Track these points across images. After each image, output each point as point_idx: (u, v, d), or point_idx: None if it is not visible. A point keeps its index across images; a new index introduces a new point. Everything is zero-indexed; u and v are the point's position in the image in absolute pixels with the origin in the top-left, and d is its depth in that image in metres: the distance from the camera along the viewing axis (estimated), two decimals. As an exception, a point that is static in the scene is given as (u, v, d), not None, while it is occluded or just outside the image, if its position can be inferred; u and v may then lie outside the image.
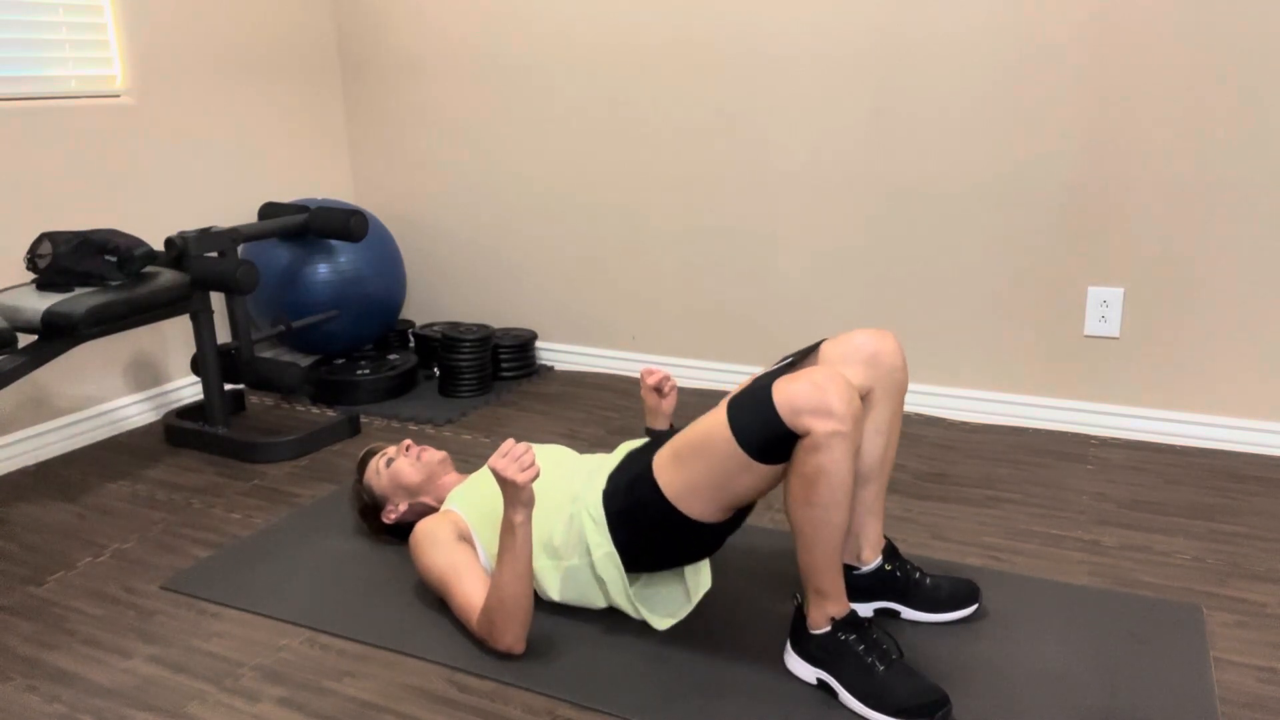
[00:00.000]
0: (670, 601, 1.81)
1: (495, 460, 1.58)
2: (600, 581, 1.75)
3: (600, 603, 1.79)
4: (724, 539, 1.71)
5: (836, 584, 1.55)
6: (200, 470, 2.59)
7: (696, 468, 1.57)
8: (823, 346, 1.72)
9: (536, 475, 1.57)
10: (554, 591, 1.79)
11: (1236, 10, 2.32)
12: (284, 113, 3.36)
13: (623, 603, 1.74)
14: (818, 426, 1.43)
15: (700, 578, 1.83)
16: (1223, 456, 2.51)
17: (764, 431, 1.48)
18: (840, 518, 1.49)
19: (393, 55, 3.44)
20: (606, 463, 1.82)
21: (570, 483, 1.80)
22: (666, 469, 1.62)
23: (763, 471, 1.52)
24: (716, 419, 1.55)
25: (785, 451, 1.49)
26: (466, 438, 2.78)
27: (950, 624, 1.77)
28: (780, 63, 2.84)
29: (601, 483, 1.74)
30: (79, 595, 1.98)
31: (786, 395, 1.46)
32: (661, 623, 1.76)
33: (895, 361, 1.70)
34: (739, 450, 1.51)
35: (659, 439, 1.75)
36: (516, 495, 1.59)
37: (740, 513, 1.67)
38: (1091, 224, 2.58)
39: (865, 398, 1.70)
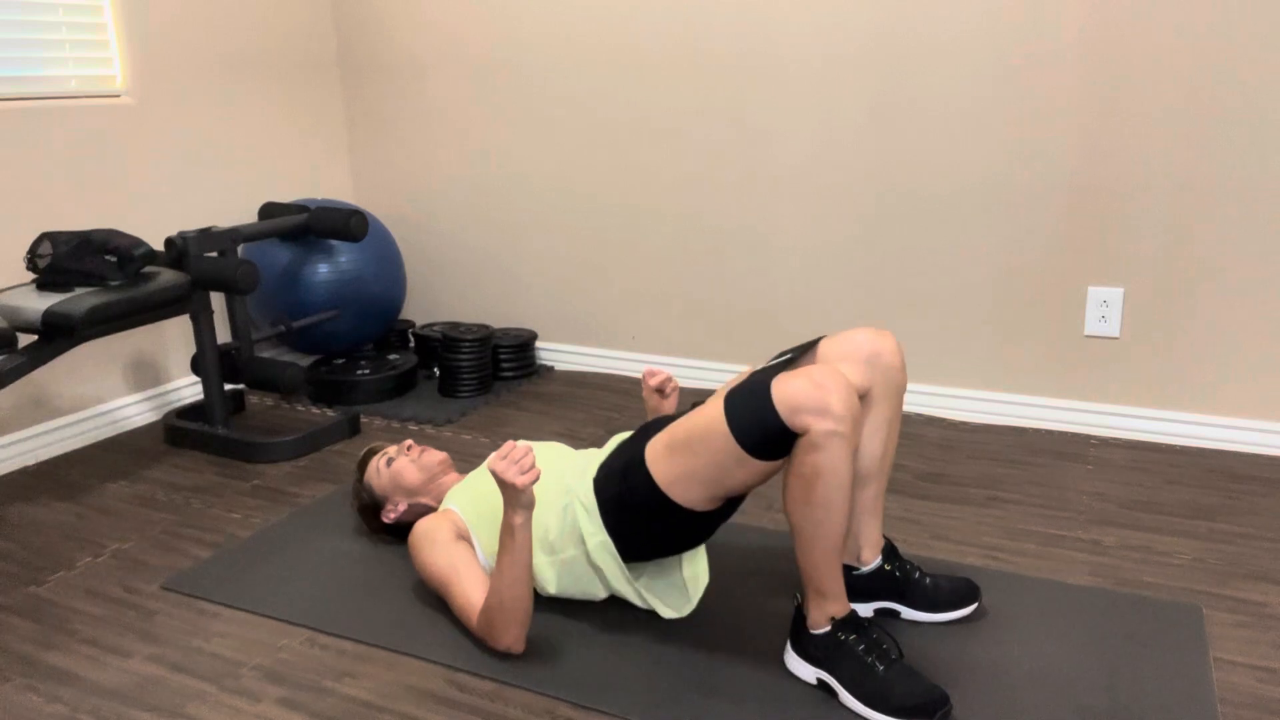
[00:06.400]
0: (670, 594, 1.81)
1: (495, 462, 1.58)
2: (598, 570, 1.75)
3: (601, 593, 1.79)
4: (716, 526, 1.70)
5: (836, 584, 1.55)
6: (200, 470, 2.59)
7: (691, 460, 1.56)
8: (821, 344, 1.71)
9: (537, 478, 1.57)
10: (552, 586, 1.79)
11: (1236, 10, 2.32)
12: (284, 113, 3.36)
13: (623, 588, 1.74)
14: (816, 425, 1.43)
15: (697, 570, 1.83)
16: (1223, 456, 2.51)
17: (761, 428, 1.47)
18: (839, 517, 1.49)
19: (393, 55, 3.44)
20: (599, 455, 1.82)
21: (563, 477, 1.80)
22: (660, 459, 1.61)
23: (758, 467, 1.51)
24: (713, 412, 1.54)
25: (782, 448, 1.49)
26: (466, 438, 2.78)
27: (950, 624, 1.77)
28: (780, 62, 2.84)
29: (593, 472, 1.74)
30: (79, 595, 1.98)
31: (785, 393, 1.45)
32: (667, 611, 1.76)
33: (894, 361, 1.69)
34: (735, 445, 1.50)
35: (650, 428, 1.74)
36: (517, 498, 1.58)
37: (732, 502, 1.66)
38: (1091, 224, 2.58)
39: (864, 397, 1.70)
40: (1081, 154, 2.54)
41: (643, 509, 1.64)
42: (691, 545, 1.74)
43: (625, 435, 1.87)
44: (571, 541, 1.74)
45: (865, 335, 1.69)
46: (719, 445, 1.52)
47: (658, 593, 1.81)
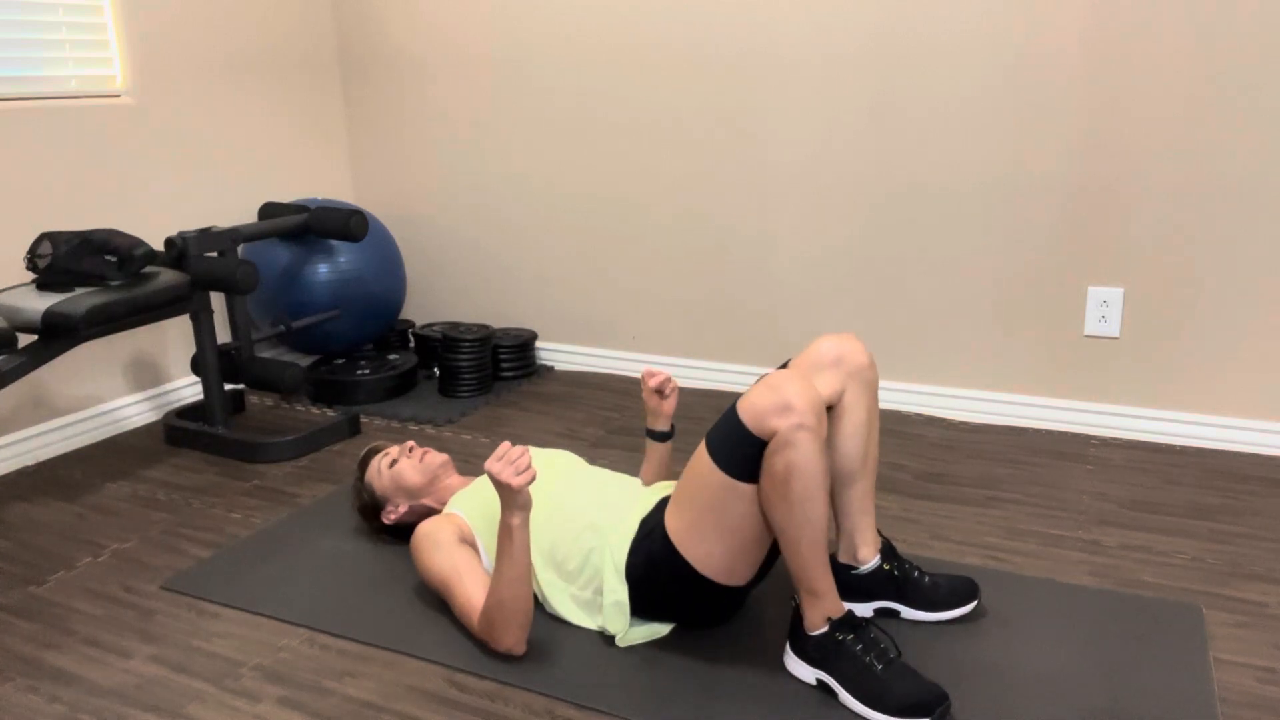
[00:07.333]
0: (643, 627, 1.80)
1: (490, 464, 1.58)
2: (600, 624, 1.76)
3: (594, 628, 1.79)
4: (734, 608, 1.74)
5: (827, 583, 1.56)
6: (200, 470, 2.59)
7: (693, 506, 1.60)
8: (790, 364, 1.77)
9: (532, 479, 1.57)
10: (557, 608, 1.79)
11: (1236, 11, 2.32)
12: (284, 113, 3.36)
13: (619, 639, 1.74)
14: (781, 424, 1.47)
15: None
16: (1223, 456, 2.51)
17: (736, 447, 1.52)
18: (818, 512, 1.51)
19: (393, 55, 3.44)
20: (638, 503, 1.80)
21: (587, 507, 1.79)
22: (672, 515, 1.65)
23: (749, 494, 1.54)
24: (699, 454, 1.60)
25: (760, 462, 1.52)
26: (466, 438, 2.78)
27: (950, 623, 1.77)
28: (780, 63, 2.84)
29: (632, 529, 1.73)
30: (79, 595, 1.98)
31: (747, 405, 1.51)
32: (625, 638, 1.74)
33: (861, 360, 1.73)
34: (720, 473, 1.54)
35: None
36: (513, 499, 1.59)
37: (751, 580, 1.68)
38: (1091, 224, 2.58)
39: (839, 401, 1.73)
40: (1081, 154, 2.54)
41: (667, 578, 1.66)
42: (705, 623, 1.76)
43: (669, 488, 1.87)
44: (590, 586, 1.75)
45: (829, 343, 1.74)
46: (711, 481, 1.56)
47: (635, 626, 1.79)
